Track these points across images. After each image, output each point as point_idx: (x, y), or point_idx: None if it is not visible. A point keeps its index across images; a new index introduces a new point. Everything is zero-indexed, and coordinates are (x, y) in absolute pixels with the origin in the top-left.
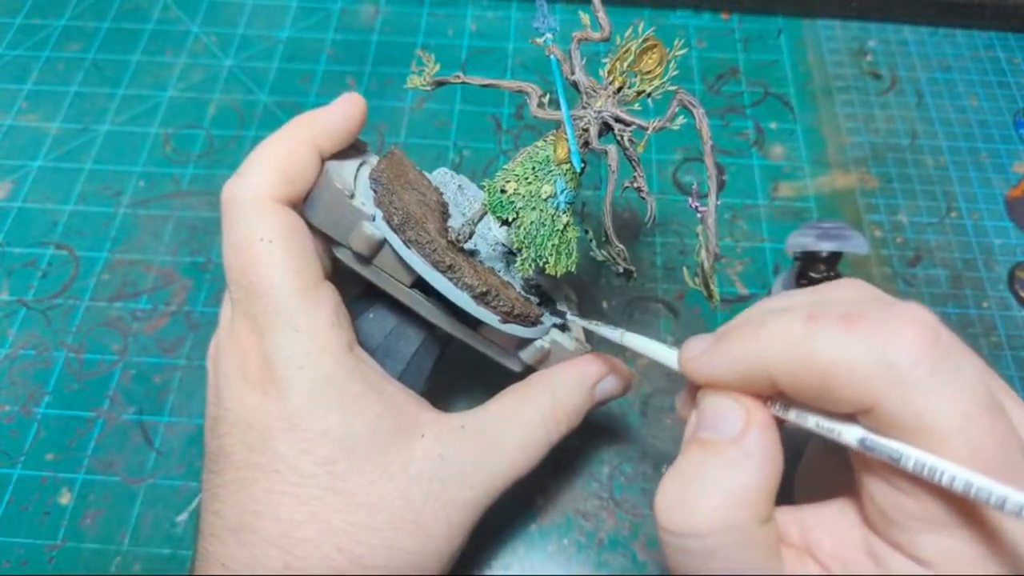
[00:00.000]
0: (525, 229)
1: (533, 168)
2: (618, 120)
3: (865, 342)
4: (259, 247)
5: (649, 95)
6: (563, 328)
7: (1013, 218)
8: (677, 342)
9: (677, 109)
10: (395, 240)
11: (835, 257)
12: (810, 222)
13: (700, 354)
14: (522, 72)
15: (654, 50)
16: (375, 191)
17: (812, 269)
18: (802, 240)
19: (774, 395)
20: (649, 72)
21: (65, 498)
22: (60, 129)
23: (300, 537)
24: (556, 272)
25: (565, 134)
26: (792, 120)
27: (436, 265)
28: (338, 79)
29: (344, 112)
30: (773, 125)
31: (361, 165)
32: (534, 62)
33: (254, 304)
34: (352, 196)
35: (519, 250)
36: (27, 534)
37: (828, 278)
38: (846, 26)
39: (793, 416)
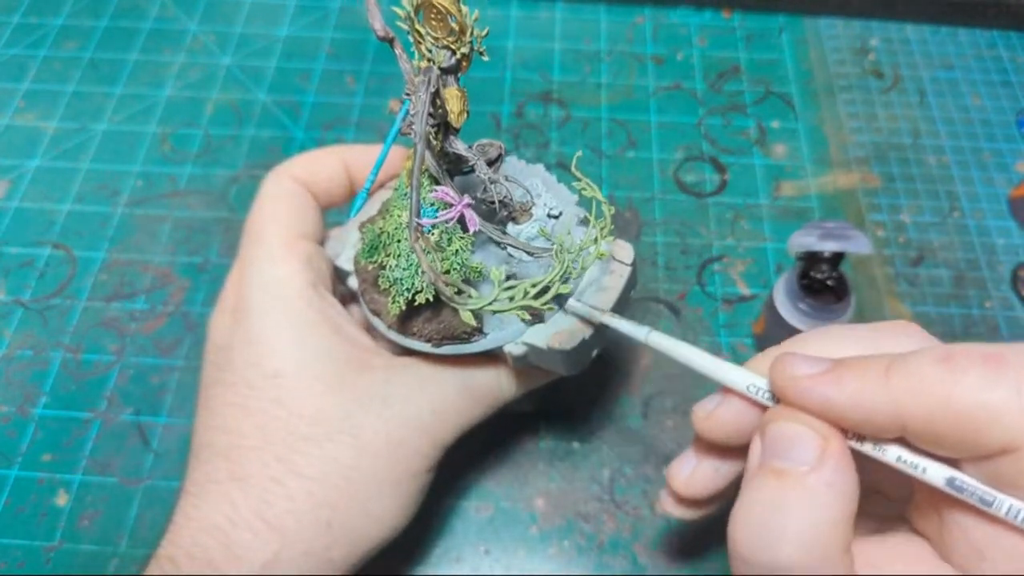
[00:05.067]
0: (394, 263)
1: (398, 197)
2: (434, 105)
3: (1013, 382)
4: (265, 203)
5: (481, 53)
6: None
7: (1016, 217)
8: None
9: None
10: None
11: (838, 257)
12: (813, 222)
13: (809, 378)
14: (522, 70)
15: (431, 9)
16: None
17: (815, 269)
18: (805, 240)
19: (853, 428)
20: (451, 36)
21: (62, 499)
22: (57, 128)
23: (246, 446)
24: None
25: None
26: (794, 119)
27: (369, 307)
28: (337, 78)
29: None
30: (775, 124)
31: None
32: (535, 60)
33: (247, 245)
34: (339, 256)
35: (388, 289)
36: (24, 535)
37: (831, 278)
38: (848, 24)
39: (869, 448)
